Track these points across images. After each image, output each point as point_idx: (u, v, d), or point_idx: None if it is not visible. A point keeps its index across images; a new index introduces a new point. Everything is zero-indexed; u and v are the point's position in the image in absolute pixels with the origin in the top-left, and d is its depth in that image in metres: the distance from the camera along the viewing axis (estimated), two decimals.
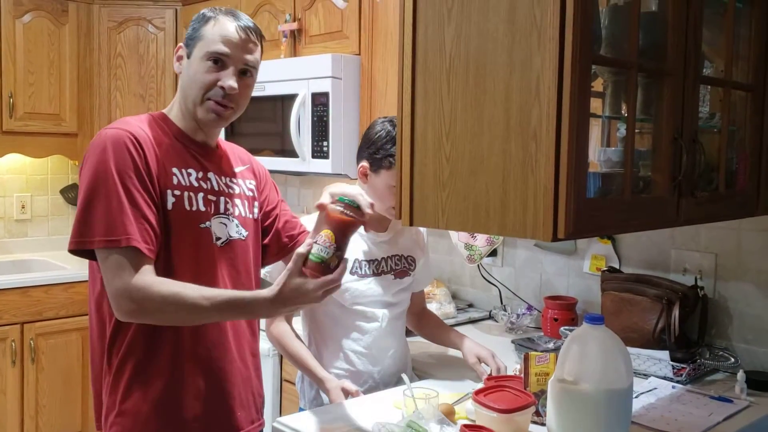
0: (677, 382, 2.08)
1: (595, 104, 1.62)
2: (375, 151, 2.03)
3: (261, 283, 1.83)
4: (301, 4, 3.24)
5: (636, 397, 1.91)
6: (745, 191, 1.95)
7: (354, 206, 1.57)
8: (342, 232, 1.57)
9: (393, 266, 2.16)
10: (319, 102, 2.98)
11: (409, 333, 2.33)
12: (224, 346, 1.72)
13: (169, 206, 1.62)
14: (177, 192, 1.64)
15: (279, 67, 3.15)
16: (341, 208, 1.56)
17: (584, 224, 1.36)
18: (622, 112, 1.66)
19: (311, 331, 2.16)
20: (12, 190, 4.23)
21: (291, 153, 3.11)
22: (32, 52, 3.88)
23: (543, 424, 1.69)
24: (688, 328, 2.28)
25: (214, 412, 1.71)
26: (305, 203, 3.93)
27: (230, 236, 1.73)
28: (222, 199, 1.73)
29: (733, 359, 2.21)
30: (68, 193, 4.41)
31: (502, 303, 2.96)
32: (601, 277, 2.47)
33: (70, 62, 4.01)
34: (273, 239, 1.89)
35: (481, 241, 2.86)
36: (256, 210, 1.84)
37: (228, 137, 3.18)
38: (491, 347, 2.14)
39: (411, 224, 1.59)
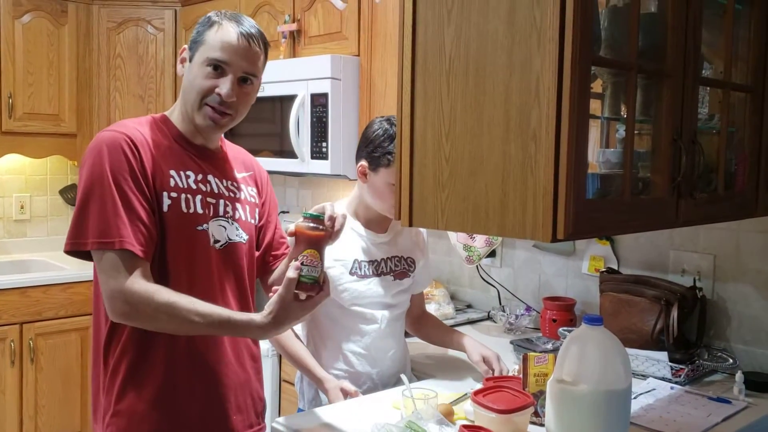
0: (676, 383, 2.08)
1: (595, 105, 1.62)
2: (373, 149, 2.03)
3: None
4: (301, 5, 3.25)
5: (635, 397, 1.91)
6: (744, 192, 1.95)
7: (320, 218, 1.60)
8: (319, 246, 1.59)
9: (393, 267, 2.16)
10: (319, 103, 2.98)
11: (407, 334, 2.33)
12: (220, 349, 1.72)
13: (165, 208, 1.62)
14: (174, 194, 1.64)
15: (278, 68, 3.15)
16: (309, 223, 1.59)
17: (583, 225, 1.37)
18: (622, 113, 1.66)
19: (310, 331, 2.16)
20: (11, 191, 4.23)
21: (290, 154, 3.11)
22: (31, 53, 3.88)
23: (542, 425, 1.69)
24: (686, 329, 2.28)
25: (209, 415, 1.71)
26: (304, 204, 3.93)
27: (230, 239, 1.73)
28: (222, 201, 1.73)
29: (731, 360, 2.21)
30: (67, 193, 4.41)
31: (500, 304, 2.97)
32: (599, 278, 2.48)
33: (69, 63, 4.02)
34: (260, 254, 1.89)
35: (480, 242, 2.86)
36: (257, 216, 1.84)
37: (227, 138, 3.17)
38: (490, 347, 2.15)
39: (410, 225, 1.60)
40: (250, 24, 1.71)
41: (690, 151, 1.67)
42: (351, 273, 2.07)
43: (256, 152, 2.80)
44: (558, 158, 1.32)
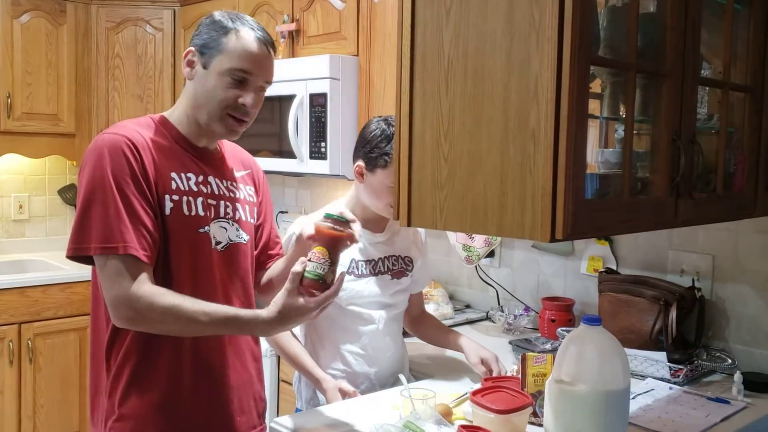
0: (674, 383, 2.08)
1: (593, 105, 1.62)
2: (370, 150, 2.03)
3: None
4: (299, 5, 3.24)
5: (633, 398, 1.91)
6: (742, 192, 1.95)
7: (342, 221, 1.63)
8: (334, 248, 1.62)
9: (390, 266, 2.16)
10: (317, 103, 2.98)
11: (406, 334, 2.33)
12: (223, 351, 1.72)
13: (167, 211, 1.61)
14: (175, 197, 1.63)
15: (277, 68, 3.08)
16: (330, 224, 1.62)
17: (582, 225, 1.37)
18: (621, 113, 1.66)
19: (308, 331, 2.16)
20: (10, 191, 4.23)
21: (289, 154, 3.11)
22: (30, 53, 3.88)
23: (540, 425, 1.69)
24: (685, 329, 2.28)
25: (214, 417, 1.70)
26: (303, 204, 3.93)
27: (230, 240, 1.73)
28: (222, 203, 1.73)
29: (730, 360, 2.21)
30: (66, 193, 4.40)
31: (499, 304, 2.97)
32: (598, 279, 2.48)
33: (68, 62, 4.01)
34: (256, 253, 1.88)
35: (478, 242, 2.86)
36: (255, 215, 1.84)
37: None
38: (489, 348, 2.14)
39: (409, 225, 1.59)
40: (259, 27, 1.69)
41: (689, 151, 1.67)
42: (348, 272, 2.07)
43: (254, 152, 2.79)
44: (557, 158, 1.31)
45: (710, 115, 1.94)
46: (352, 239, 1.66)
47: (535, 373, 1.76)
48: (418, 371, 2.28)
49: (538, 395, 1.73)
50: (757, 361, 2.25)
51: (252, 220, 1.82)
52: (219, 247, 1.70)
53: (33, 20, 3.88)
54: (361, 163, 2.07)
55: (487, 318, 2.95)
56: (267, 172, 2.00)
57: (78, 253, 1.56)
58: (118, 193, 1.54)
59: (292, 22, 3.26)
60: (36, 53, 3.90)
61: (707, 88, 1.93)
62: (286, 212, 3.94)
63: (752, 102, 1.93)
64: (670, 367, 2.10)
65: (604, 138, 1.68)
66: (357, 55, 2.98)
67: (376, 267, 2.13)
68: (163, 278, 1.59)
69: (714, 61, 1.94)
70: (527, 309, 2.82)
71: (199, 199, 1.67)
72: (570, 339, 1.57)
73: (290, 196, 4.01)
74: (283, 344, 2.09)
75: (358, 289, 2.08)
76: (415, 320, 2.37)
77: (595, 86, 1.64)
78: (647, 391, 2.01)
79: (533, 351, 2.20)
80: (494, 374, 2.04)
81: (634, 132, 1.63)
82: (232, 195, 1.77)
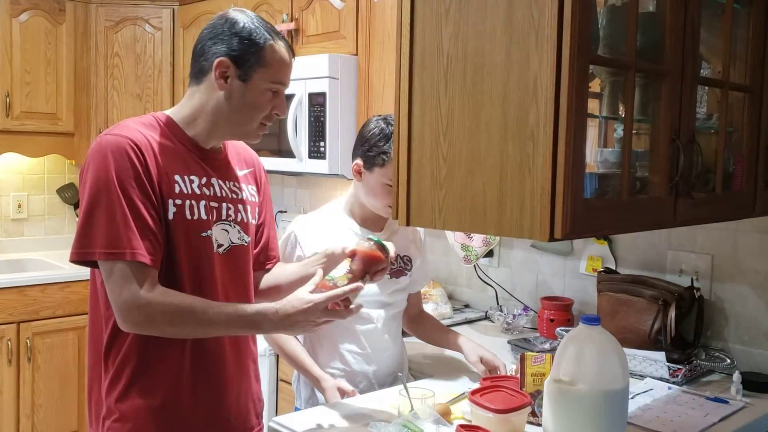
0: (673, 383, 2.08)
1: (593, 105, 1.62)
2: (369, 148, 2.03)
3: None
4: (299, 4, 3.24)
5: (632, 398, 1.91)
6: (741, 192, 1.95)
7: (382, 245, 1.73)
8: (369, 269, 1.71)
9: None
10: (316, 102, 2.98)
11: (405, 333, 2.33)
12: (223, 353, 1.71)
13: (170, 216, 1.60)
14: (178, 201, 1.61)
15: None
16: (371, 244, 1.73)
17: (581, 225, 1.36)
18: (620, 112, 1.66)
19: None
20: (8, 190, 4.22)
21: (288, 153, 3.10)
22: (29, 51, 3.87)
23: (539, 425, 1.69)
24: (684, 329, 2.28)
25: (212, 419, 1.70)
26: (302, 204, 3.93)
27: (232, 242, 1.72)
28: (224, 205, 1.72)
29: (729, 360, 2.21)
30: (65, 192, 4.40)
31: (498, 303, 2.97)
32: (597, 278, 2.48)
33: (67, 61, 4.01)
34: (256, 253, 1.88)
35: (477, 241, 2.86)
36: (257, 215, 1.84)
37: None
38: (488, 348, 2.14)
39: (408, 224, 1.59)
40: (280, 34, 1.70)
41: (688, 151, 1.67)
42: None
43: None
44: (556, 157, 1.31)
45: (709, 115, 1.94)
46: (389, 266, 1.74)
47: (534, 372, 1.76)
48: (417, 371, 2.28)
49: (537, 395, 1.73)
50: (756, 360, 2.25)
51: (253, 220, 1.81)
52: (221, 250, 1.69)
53: (32, 19, 3.88)
54: (359, 161, 2.07)
55: (486, 318, 2.95)
56: (266, 172, 1.99)
57: (82, 258, 1.55)
58: (124, 197, 1.52)
59: (291, 21, 3.26)
60: (35, 52, 3.90)
61: (706, 88, 1.93)
62: (285, 212, 3.93)
63: (751, 102, 1.93)
64: (668, 366, 2.10)
65: (603, 137, 1.68)
66: (356, 55, 2.98)
67: None
68: (165, 280, 1.58)
69: (713, 61, 1.94)
70: (526, 309, 2.82)
71: (202, 203, 1.66)
72: (569, 339, 1.57)
73: (289, 196, 4.00)
74: (282, 343, 2.09)
75: None
76: (414, 320, 2.36)
77: (595, 85, 1.64)
78: (646, 391, 2.01)
79: (532, 350, 2.20)
80: (498, 369, 2.04)
81: (633, 131, 1.63)
82: (234, 196, 1.75)
